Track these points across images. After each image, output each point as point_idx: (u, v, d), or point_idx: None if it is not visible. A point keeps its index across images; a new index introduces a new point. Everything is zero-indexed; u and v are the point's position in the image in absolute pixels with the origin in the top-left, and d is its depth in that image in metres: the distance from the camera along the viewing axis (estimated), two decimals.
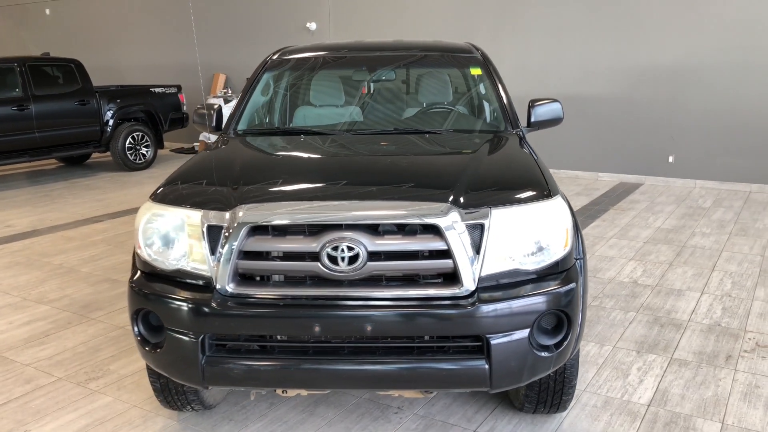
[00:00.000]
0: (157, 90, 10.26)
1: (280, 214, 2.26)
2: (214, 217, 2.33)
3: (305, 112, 3.74)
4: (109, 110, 9.49)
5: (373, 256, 2.24)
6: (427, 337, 2.32)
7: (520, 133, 3.35)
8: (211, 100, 11.05)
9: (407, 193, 2.38)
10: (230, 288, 2.29)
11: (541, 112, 3.50)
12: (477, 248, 2.25)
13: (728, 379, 3.25)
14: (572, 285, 2.34)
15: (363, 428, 2.90)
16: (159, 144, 10.34)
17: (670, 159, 8.14)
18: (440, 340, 2.28)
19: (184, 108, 10.67)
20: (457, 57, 3.79)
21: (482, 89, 3.72)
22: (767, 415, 2.93)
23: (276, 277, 2.35)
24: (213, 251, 2.32)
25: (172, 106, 10.42)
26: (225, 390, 3.08)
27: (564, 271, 2.39)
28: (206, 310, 2.26)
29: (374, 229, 2.26)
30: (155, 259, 2.44)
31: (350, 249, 2.22)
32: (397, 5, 9.72)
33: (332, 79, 3.86)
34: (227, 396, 3.17)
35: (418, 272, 2.27)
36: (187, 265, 2.38)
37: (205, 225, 2.33)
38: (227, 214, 2.31)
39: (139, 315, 2.44)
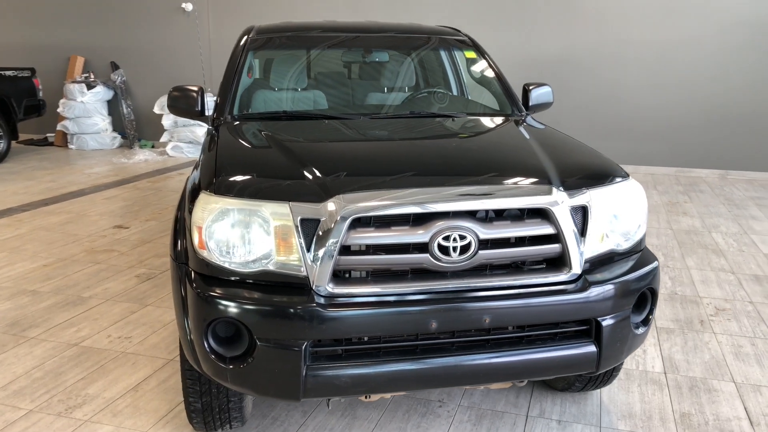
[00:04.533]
0: (8, 73, 8.97)
1: (389, 204, 2.06)
2: (308, 209, 2.06)
3: (305, 95, 3.46)
4: None
5: (483, 244, 2.12)
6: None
7: (530, 116, 3.38)
8: (69, 86, 9.90)
9: (506, 178, 2.28)
10: (330, 288, 2.05)
11: (537, 95, 3.55)
12: (581, 231, 2.22)
13: (714, 342, 3.55)
14: (656, 262, 2.40)
15: (416, 426, 2.77)
16: (13, 135, 9.06)
17: None
18: (550, 327, 2.23)
19: (40, 94, 9.44)
20: (449, 40, 3.71)
21: (479, 72, 3.68)
22: (763, 369, 3.24)
23: (370, 273, 2.14)
24: (308, 248, 2.06)
25: (26, 92, 9.18)
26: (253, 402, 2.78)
27: (642, 249, 2.45)
28: (310, 314, 2.00)
29: (482, 217, 2.14)
30: (229, 260, 2.11)
31: (462, 238, 2.08)
32: None
33: (329, 61, 3.61)
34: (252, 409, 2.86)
35: (526, 258, 2.19)
36: (275, 266, 2.08)
37: (299, 219, 2.06)
38: (323, 206, 2.06)
39: (210, 327, 2.10)
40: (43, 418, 2.81)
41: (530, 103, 3.53)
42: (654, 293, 2.38)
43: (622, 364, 2.81)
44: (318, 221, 2.05)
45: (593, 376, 2.78)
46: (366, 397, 2.34)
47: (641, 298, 2.35)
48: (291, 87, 3.57)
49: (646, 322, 2.38)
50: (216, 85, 9.82)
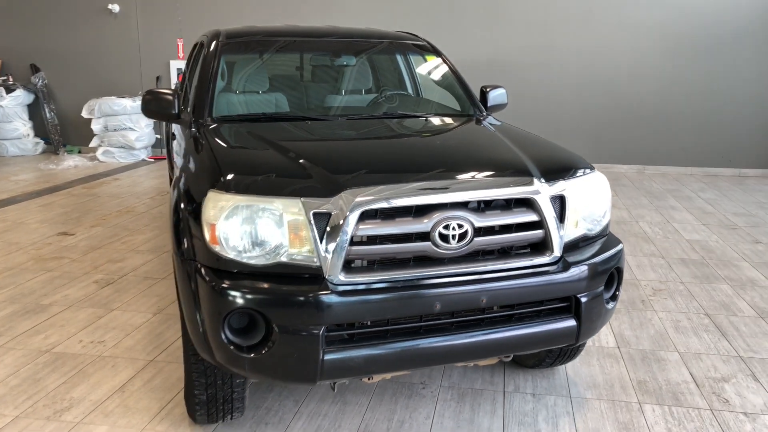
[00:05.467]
0: None
1: (396, 197, 2.23)
2: (319, 204, 2.20)
3: (278, 98, 3.56)
4: None
5: (477, 232, 2.34)
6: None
7: (491, 116, 3.63)
8: None
9: (494, 172, 2.50)
10: (342, 276, 2.21)
11: (494, 96, 3.81)
12: (560, 217, 2.48)
13: (656, 319, 3.93)
14: (621, 245, 2.69)
15: (405, 407, 2.95)
16: None
17: None
18: (536, 305, 2.46)
19: None
20: (410, 45, 3.92)
21: (440, 75, 3.90)
22: (700, 340, 3.63)
23: (376, 261, 2.30)
24: (320, 240, 2.20)
25: None
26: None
27: (607, 234, 2.74)
28: (327, 301, 2.15)
29: (475, 207, 2.35)
30: (244, 254, 2.22)
31: (460, 227, 2.29)
32: None
33: (299, 65, 3.73)
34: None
35: (513, 244, 2.42)
36: (288, 257, 2.21)
37: (312, 213, 2.20)
38: (334, 201, 2.21)
39: (226, 319, 2.20)
40: (31, 423, 2.80)
41: (488, 104, 3.79)
42: (620, 272, 2.67)
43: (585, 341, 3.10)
44: (329, 215, 2.20)
45: (561, 352, 3.05)
46: (369, 378, 2.50)
47: (610, 277, 2.64)
48: (265, 90, 3.67)
49: (614, 298, 2.67)
50: (148, 89, 9.65)
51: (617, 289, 2.68)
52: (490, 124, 3.38)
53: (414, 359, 2.31)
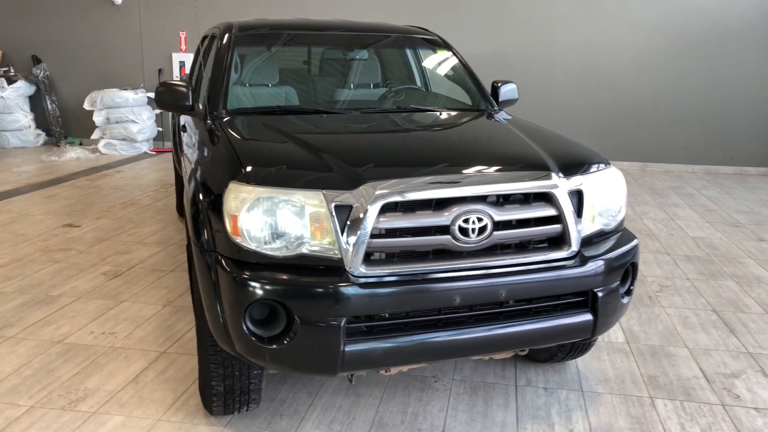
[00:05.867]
0: None
1: (416, 190, 2.24)
2: (341, 196, 2.21)
3: (291, 91, 3.56)
4: None
5: (497, 225, 2.35)
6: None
7: (503, 111, 3.64)
8: None
9: (513, 165, 2.51)
10: (362, 269, 2.22)
11: (505, 91, 3.82)
12: (578, 212, 2.49)
13: (663, 315, 3.95)
14: (637, 240, 2.70)
15: (419, 400, 2.97)
16: None
17: None
18: (553, 299, 2.48)
19: None
20: (423, 39, 3.93)
21: (452, 70, 3.91)
22: (709, 336, 3.66)
23: (396, 254, 2.32)
24: (341, 232, 2.21)
25: None
26: None
27: (622, 229, 2.75)
28: (349, 293, 2.16)
29: (494, 201, 2.36)
30: (265, 246, 2.23)
31: (479, 220, 2.30)
32: None
33: (312, 58, 3.73)
34: None
35: (532, 238, 2.43)
36: (310, 249, 2.22)
37: (333, 205, 2.21)
38: (355, 193, 2.22)
39: (248, 310, 2.21)
40: (47, 413, 2.81)
41: (499, 99, 3.79)
42: (635, 267, 2.69)
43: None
44: (350, 207, 2.21)
45: (573, 346, 3.07)
46: (386, 371, 2.51)
47: (626, 272, 2.65)
48: (278, 83, 3.67)
49: (629, 293, 2.69)
50: (150, 81, 9.64)
51: (632, 284, 2.70)
52: (504, 118, 3.39)
53: (433, 352, 2.32)
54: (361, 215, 2.19)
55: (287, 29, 3.77)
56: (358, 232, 2.19)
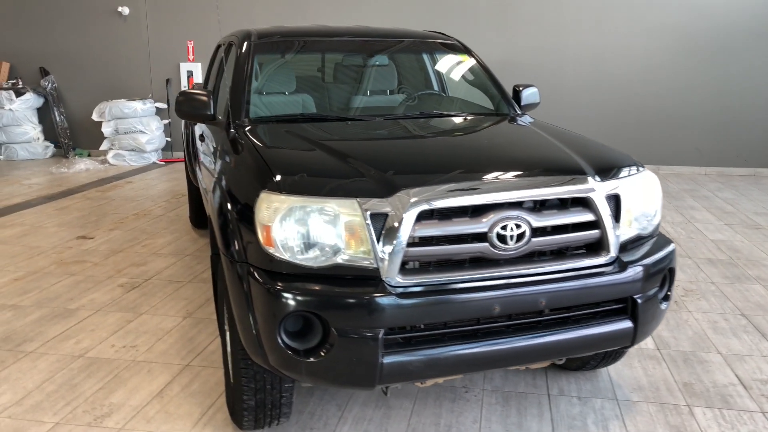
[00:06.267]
0: None
1: (453, 196, 2.19)
2: (376, 205, 2.16)
3: (313, 98, 3.52)
4: None
5: (535, 232, 2.29)
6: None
7: (526, 115, 3.59)
8: None
9: (550, 170, 2.45)
10: (399, 278, 2.16)
11: (527, 95, 3.77)
12: (615, 217, 2.43)
13: (692, 320, 3.88)
14: (673, 244, 2.64)
15: (451, 411, 2.90)
16: None
17: None
18: (592, 307, 2.41)
19: None
20: (443, 44, 3.88)
21: (473, 74, 3.86)
22: (741, 341, 3.59)
23: (432, 263, 2.26)
24: (377, 241, 2.16)
25: None
26: None
27: (657, 234, 2.69)
28: (387, 303, 2.10)
29: (531, 207, 2.31)
30: (299, 256, 2.17)
31: (518, 227, 2.24)
32: None
33: (333, 65, 3.69)
34: None
35: (570, 244, 2.37)
36: (345, 259, 2.17)
37: (368, 213, 2.15)
38: (391, 201, 2.16)
39: (283, 322, 2.15)
40: (72, 430, 2.75)
41: (521, 103, 3.74)
42: (672, 272, 2.63)
43: None
44: (386, 215, 2.16)
45: (606, 354, 3.00)
46: (421, 383, 2.45)
47: (663, 277, 2.59)
48: (299, 90, 3.62)
49: (666, 299, 2.62)
50: (158, 92, 9.62)
51: (669, 289, 2.64)
52: (528, 122, 3.34)
53: (472, 363, 2.26)
54: (397, 223, 2.14)
55: (305, 36, 3.73)
56: (395, 241, 2.14)
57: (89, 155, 9.89)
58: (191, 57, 9.50)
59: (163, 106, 9.59)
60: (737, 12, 8.29)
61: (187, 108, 3.23)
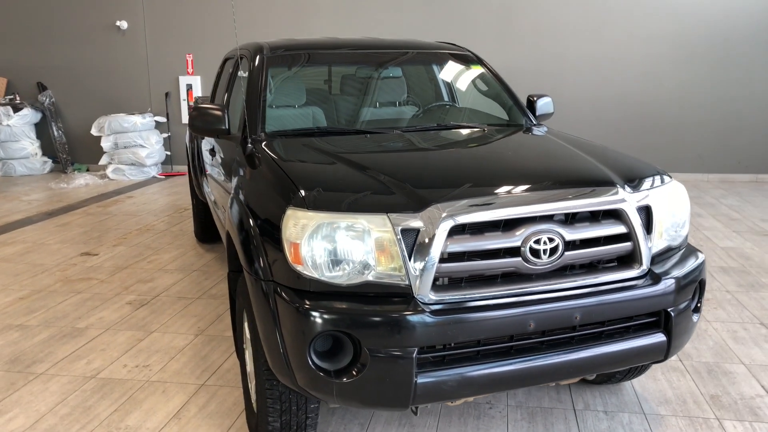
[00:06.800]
0: None
1: (486, 210, 2.14)
2: (407, 220, 2.11)
3: (328, 111, 3.48)
4: None
5: (568, 245, 2.24)
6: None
7: (542, 125, 3.55)
8: None
9: (579, 183, 2.40)
10: (432, 295, 2.11)
11: (541, 105, 3.73)
12: (647, 229, 2.39)
13: (711, 329, 3.84)
14: (703, 255, 2.60)
15: (476, 428, 2.84)
16: None
17: None
18: (624, 321, 2.36)
19: None
20: (456, 55, 3.85)
21: (486, 85, 3.83)
22: (763, 350, 3.54)
23: (464, 279, 2.21)
24: (409, 257, 2.10)
25: None
26: None
27: (686, 245, 2.65)
28: (421, 321, 2.05)
29: (563, 220, 2.26)
30: (328, 274, 2.12)
31: (551, 240, 2.20)
32: (220, 2, 9.21)
33: (346, 77, 3.64)
34: None
35: (603, 257, 2.33)
36: (376, 276, 2.11)
37: (399, 229, 2.10)
38: (422, 216, 2.11)
39: (312, 342, 2.09)
40: None
41: (536, 113, 3.71)
42: (703, 283, 2.58)
43: None
44: (417, 231, 2.11)
45: (633, 368, 2.94)
46: (451, 402, 2.39)
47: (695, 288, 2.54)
48: (312, 103, 3.58)
49: (697, 310, 2.57)
50: (157, 105, 9.56)
51: (700, 301, 2.59)
52: (545, 132, 3.30)
53: (507, 381, 2.20)
54: (429, 238, 2.09)
55: (317, 49, 3.69)
56: (427, 257, 2.08)
57: (88, 170, 9.81)
58: (190, 70, 9.46)
59: (163, 119, 9.53)
60: (736, 19, 8.32)
61: (200, 123, 3.18)
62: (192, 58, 9.43)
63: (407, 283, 2.10)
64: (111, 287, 4.69)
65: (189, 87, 9.50)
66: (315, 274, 2.12)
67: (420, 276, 2.09)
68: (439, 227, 2.09)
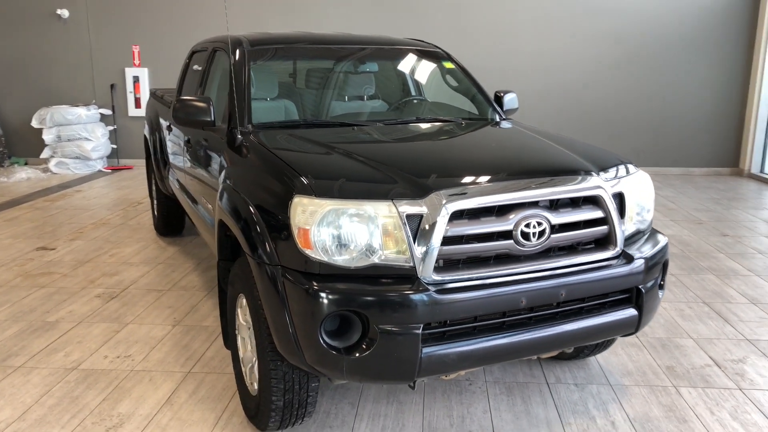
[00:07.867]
0: None
1: (484, 196, 2.32)
2: (412, 205, 2.26)
3: (310, 103, 3.58)
4: None
5: (553, 229, 2.45)
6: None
7: (510, 119, 3.77)
8: None
9: (562, 171, 2.61)
10: (434, 276, 2.27)
11: (508, 100, 3.95)
12: (620, 213, 2.62)
13: (661, 309, 4.16)
14: (666, 238, 2.87)
15: (460, 403, 3.03)
16: None
17: None
18: (601, 297, 2.59)
19: None
20: (428, 51, 4.01)
21: (458, 81, 4.01)
22: (707, 326, 3.88)
23: (461, 260, 2.38)
24: (413, 241, 2.26)
25: None
26: None
27: (651, 228, 2.91)
28: (426, 300, 2.20)
29: (547, 205, 2.46)
30: (337, 257, 2.24)
31: (539, 224, 2.40)
32: None
33: (323, 71, 3.74)
34: None
35: (582, 240, 2.54)
36: (382, 259, 2.25)
37: (405, 215, 2.25)
38: (425, 202, 2.27)
39: (323, 322, 2.22)
40: None
41: (504, 108, 3.92)
42: (667, 263, 2.85)
43: None
44: (420, 216, 2.26)
45: (603, 342, 3.20)
46: (446, 375, 2.56)
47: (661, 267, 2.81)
48: (293, 96, 3.67)
49: (662, 287, 2.84)
50: (101, 97, 9.32)
51: (663, 278, 2.86)
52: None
53: (500, 353, 2.39)
54: (431, 223, 2.24)
55: (296, 42, 3.78)
56: (430, 240, 2.24)
57: (26, 163, 9.47)
58: (137, 62, 9.27)
59: (108, 112, 9.31)
60: (667, 21, 8.83)
61: (183, 115, 3.22)
62: (138, 49, 9.24)
63: (412, 264, 2.25)
64: (76, 281, 4.64)
65: (136, 79, 9.31)
66: (324, 258, 2.24)
67: (423, 258, 2.25)
68: (441, 213, 2.25)
